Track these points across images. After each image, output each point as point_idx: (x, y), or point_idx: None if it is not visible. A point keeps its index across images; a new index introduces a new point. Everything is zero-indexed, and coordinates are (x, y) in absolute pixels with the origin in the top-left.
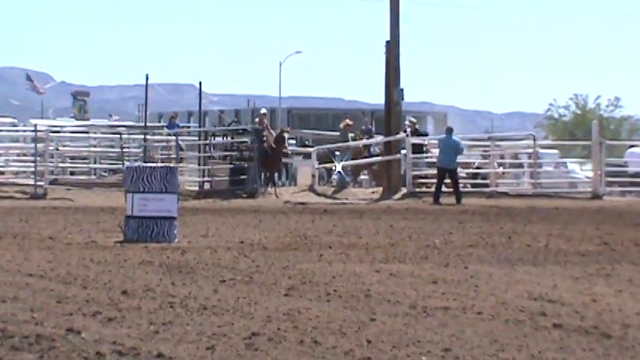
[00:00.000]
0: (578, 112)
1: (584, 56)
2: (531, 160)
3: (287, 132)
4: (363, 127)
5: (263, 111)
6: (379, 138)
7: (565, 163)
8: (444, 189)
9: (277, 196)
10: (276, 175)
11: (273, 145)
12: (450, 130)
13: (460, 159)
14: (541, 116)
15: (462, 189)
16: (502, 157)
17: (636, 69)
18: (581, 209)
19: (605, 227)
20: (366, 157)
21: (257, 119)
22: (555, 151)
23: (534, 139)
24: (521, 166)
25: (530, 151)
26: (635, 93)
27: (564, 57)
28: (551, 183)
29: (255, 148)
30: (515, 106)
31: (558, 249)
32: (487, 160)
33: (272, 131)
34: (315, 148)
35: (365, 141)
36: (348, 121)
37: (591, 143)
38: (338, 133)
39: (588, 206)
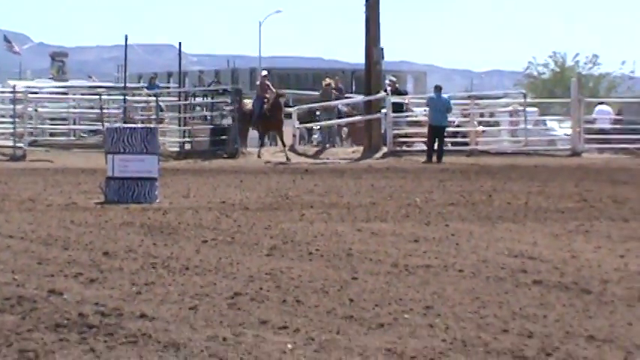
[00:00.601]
0: (557, 69)
1: (562, 14)
2: (514, 119)
3: (282, 97)
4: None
5: (264, 72)
6: (359, 97)
7: (544, 120)
8: (422, 147)
9: (288, 159)
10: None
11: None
12: (439, 89)
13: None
14: (520, 74)
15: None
16: (483, 115)
17: (614, 26)
18: (560, 167)
19: (584, 184)
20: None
21: (258, 82)
22: (535, 109)
23: (524, 97)
24: (502, 124)
25: (510, 109)
26: (613, 50)
27: (543, 15)
28: (530, 141)
29: (236, 108)
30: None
31: (538, 206)
32: (468, 119)
33: (274, 91)
34: (296, 107)
35: (346, 100)
36: (328, 79)
37: (570, 101)
38: (318, 93)
39: (567, 163)
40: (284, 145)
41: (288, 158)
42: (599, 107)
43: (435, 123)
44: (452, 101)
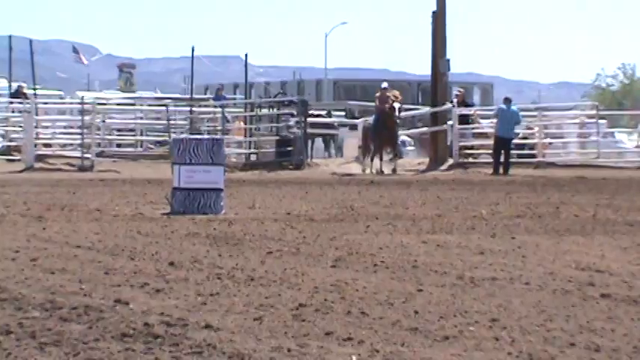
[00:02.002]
0: (626, 81)
1: (632, 25)
2: (582, 130)
3: (395, 99)
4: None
5: (384, 84)
6: (426, 109)
7: (613, 133)
8: (489, 160)
9: (395, 170)
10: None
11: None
12: (508, 100)
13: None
14: (589, 86)
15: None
16: (550, 127)
17: None
18: (629, 179)
19: None
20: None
21: (377, 94)
22: (603, 121)
23: (597, 109)
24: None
25: (578, 121)
26: None
27: (612, 26)
28: (600, 153)
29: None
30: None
31: (606, 219)
32: (534, 130)
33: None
34: (362, 119)
35: (410, 112)
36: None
37: (639, 113)
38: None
39: (636, 176)
40: (395, 157)
41: (395, 170)
42: None
43: (502, 134)
44: (520, 113)
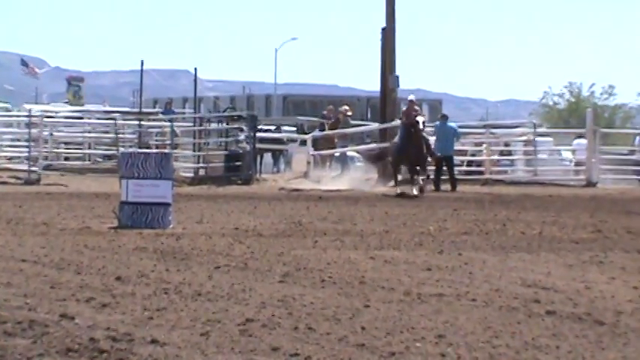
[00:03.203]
0: (573, 100)
1: (579, 44)
2: (527, 148)
3: (417, 112)
4: (325, 112)
5: (411, 97)
6: (374, 125)
7: (559, 150)
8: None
9: (422, 192)
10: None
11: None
12: (445, 117)
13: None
14: (536, 104)
15: (457, 176)
16: (498, 144)
17: (630, 58)
18: (575, 197)
19: (599, 215)
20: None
21: (404, 108)
22: (550, 138)
23: (535, 127)
24: (516, 153)
25: (525, 138)
26: (629, 81)
27: (559, 45)
28: (544, 170)
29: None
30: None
31: (552, 236)
32: (481, 148)
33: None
34: (311, 134)
35: (362, 128)
36: (346, 107)
37: (585, 131)
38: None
39: (582, 194)
40: (427, 177)
41: (422, 190)
42: (577, 140)
43: (442, 152)
44: (466, 130)
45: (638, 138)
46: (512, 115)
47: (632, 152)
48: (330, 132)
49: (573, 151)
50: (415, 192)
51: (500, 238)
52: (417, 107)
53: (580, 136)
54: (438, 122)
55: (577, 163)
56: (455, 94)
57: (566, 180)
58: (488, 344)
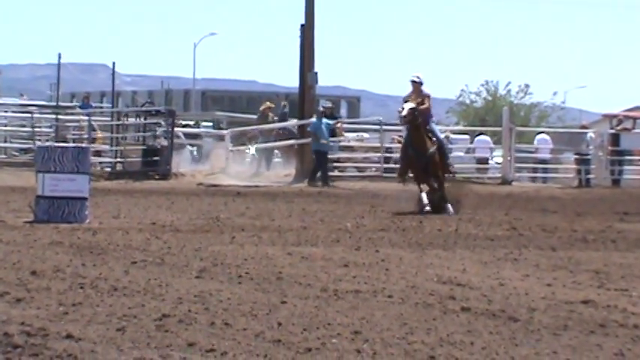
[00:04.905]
0: (489, 98)
1: (494, 43)
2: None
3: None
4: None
5: (415, 76)
6: (293, 121)
7: (474, 148)
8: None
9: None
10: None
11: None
12: (319, 114)
13: (372, 142)
14: (453, 102)
15: (375, 173)
16: None
17: (545, 56)
18: (491, 194)
19: (514, 212)
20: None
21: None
22: (466, 136)
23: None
24: None
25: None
26: (544, 80)
27: (476, 43)
28: (461, 168)
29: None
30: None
31: (468, 233)
32: (399, 145)
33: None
34: (229, 130)
35: (279, 124)
36: (268, 103)
37: (501, 129)
38: (253, 116)
39: (497, 191)
40: (440, 188)
41: (444, 206)
42: (540, 136)
43: (315, 148)
44: (389, 127)
45: (537, 137)
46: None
47: (536, 150)
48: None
49: (474, 149)
50: (450, 209)
51: (416, 234)
52: (425, 91)
53: (481, 133)
54: (313, 119)
55: (479, 161)
56: (374, 92)
57: (481, 178)
58: (403, 340)
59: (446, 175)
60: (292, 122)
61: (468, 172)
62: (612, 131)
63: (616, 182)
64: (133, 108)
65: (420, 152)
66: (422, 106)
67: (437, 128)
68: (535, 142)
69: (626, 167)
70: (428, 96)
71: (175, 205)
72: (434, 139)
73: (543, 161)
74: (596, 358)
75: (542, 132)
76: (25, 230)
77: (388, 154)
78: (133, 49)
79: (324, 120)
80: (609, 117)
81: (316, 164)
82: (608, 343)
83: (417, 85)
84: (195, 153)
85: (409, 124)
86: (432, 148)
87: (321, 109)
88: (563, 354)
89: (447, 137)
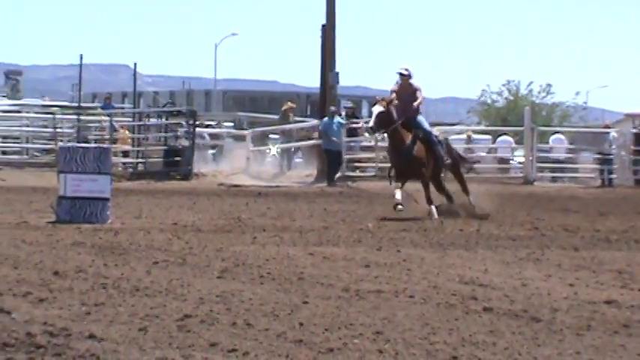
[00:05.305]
0: (511, 98)
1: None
2: (468, 146)
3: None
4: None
5: (403, 68)
6: (314, 121)
7: (497, 148)
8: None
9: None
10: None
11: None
12: (331, 113)
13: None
14: (474, 102)
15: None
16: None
17: (567, 56)
18: (513, 194)
19: (536, 212)
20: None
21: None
22: (488, 136)
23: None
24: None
25: (464, 137)
26: (567, 80)
27: (498, 43)
28: (483, 168)
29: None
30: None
31: (490, 234)
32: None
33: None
34: (250, 130)
35: (299, 124)
36: (290, 103)
37: (523, 129)
38: (275, 116)
39: (519, 191)
40: (424, 188)
41: (430, 209)
42: (555, 136)
43: (326, 147)
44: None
45: (552, 137)
46: (451, 113)
47: (550, 150)
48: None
49: (496, 149)
50: (434, 213)
51: (438, 235)
52: (414, 84)
53: (503, 134)
54: (325, 119)
55: (500, 161)
56: None
57: (503, 177)
58: (425, 341)
59: (442, 167)
60: (313, 122)
61: (490, 172)
62: (635, 131)
63: (639, 182)
64: (155, 108)
65: (398, 150)
66: (415, 102)
67: (425, 122)
68: (550, 141)
69: None
70: (418, 89)
71: (197, 205)
72: (417, 131)
73: (558, 161)
74: (620, 358)
75: (558, 132)
76: (47, 231)
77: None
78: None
79: (336, 119)
80: (632, 117)
81: (327, 164)
82: (632, 343)
83: (405, 77)
84: (214, 153)
85: (382, 131)
86: (409, 141)
87: (342, 108)
88: (586, 354)
89: (468, 137)
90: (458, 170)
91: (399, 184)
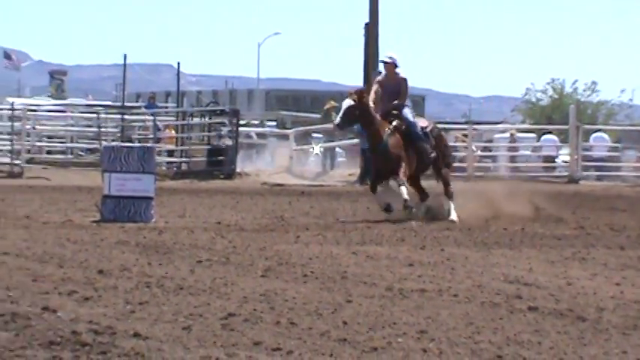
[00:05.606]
0: (556, 96)
1: (561, 40)
2: (512, 144)
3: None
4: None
5: (387, 56)
6: None
7: (542, 147)
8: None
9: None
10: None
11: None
12: None
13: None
14: (519, 100)
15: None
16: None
17: (613, 54)
18: (558, 193)
19: (581, 211)
20: None
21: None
22: (533, 134)
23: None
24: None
25: (508, 135)
26: (612, 78)
27: (542, 41)
28: (528, 167)
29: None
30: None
31: (534, 232)
32: (465, 144)
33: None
34: (293, 129)
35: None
36: (332, 102)
37: (568, 127)
38: (317, 115)
39: (564, 190)
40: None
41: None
42: (595, 134)
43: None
44: (450, 126)
45: (592, 135)
46: (495, 112)
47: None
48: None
49: (541, 147)
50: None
51: (482, 233)
52: (400, 74)
53: (549, 132)
54: None
55: (545, 159)
56: (439, 90)
57: (548, 176)
58: (470, 340)
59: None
60: None
61: (535, 171)
62: None
63: None
64: (198, 108)
65: (374, 146)
66: (394, 102)
67: (410, 113)
68: (591, 140)
69: None
70: (404, 80)
71: (240, 204)
72: (399, 123)
73: (601, 159)
74: None
75: (599, 130)
76: (92, 230)
77: (453, 153)
78: (198, 50)
79: None
80: None
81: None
82: None
83: (389, 66)
84: (257, 152)
85: (350, 124)
86: (387, 134)
87: None
88: (633, 354)
89: (511, 135)
90: (440, 168)
91: (379, 188)
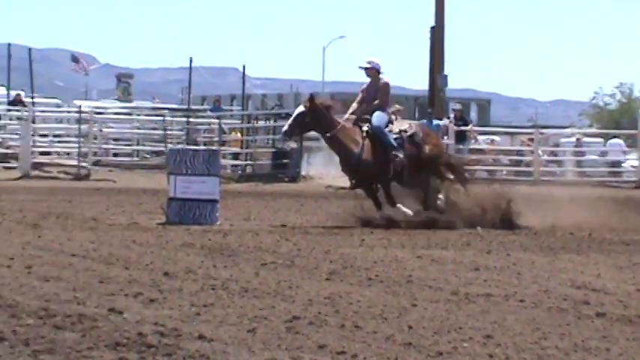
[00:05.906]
0: (624, 100)
1: (630, 44)
2: (578, 149)
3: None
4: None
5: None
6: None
7: (608, 151)
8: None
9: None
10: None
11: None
12: (430, 115)
13: (502, 146)
14: (586, 104)
15: (505, 176)
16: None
17: None
18: (626, 198)
19: None
20: None
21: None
22: (600, 139)
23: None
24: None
25: (575, 139)
26: None
27: (610, 45)
28: (595, 172)
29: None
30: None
31: (602, 238)
32: (531, 148)
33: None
34: None
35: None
36: (397, 106)
37: (637, 132)
38: None
39: (633, 195)
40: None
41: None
42: (611, 141)
43: None
44: (516, 130)
45: (609, 142)
46: (561, 116)
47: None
48: None
49: (607, 152)
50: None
51: (548, 239)
52: (383, 79)
53: (614, 137)
54: (423, 121)
55: (612, 164)
56: (504, 94)
57: (616, 181)
58: (536, 345)
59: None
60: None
61: (601, 176)
62: None
63: None
64: (263, 111)
65: (344, 159)
66: (368, 107)
67: (382, 117)
68: (607, 145)
69: None
70: (385, 84)
71: (304, 207)
72: (364, 127)
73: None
74: None
75: (615, 137)
76: (157, 232)
77: (519, 157)
78: (263, 53)
79: (435, 121)
80: None
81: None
82: None
83: (371, 71)
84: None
85: (301, 131)
86: (356, 147)
87: (450, 111)
88: None
89: (578, 140)
90: (438, 169)
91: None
